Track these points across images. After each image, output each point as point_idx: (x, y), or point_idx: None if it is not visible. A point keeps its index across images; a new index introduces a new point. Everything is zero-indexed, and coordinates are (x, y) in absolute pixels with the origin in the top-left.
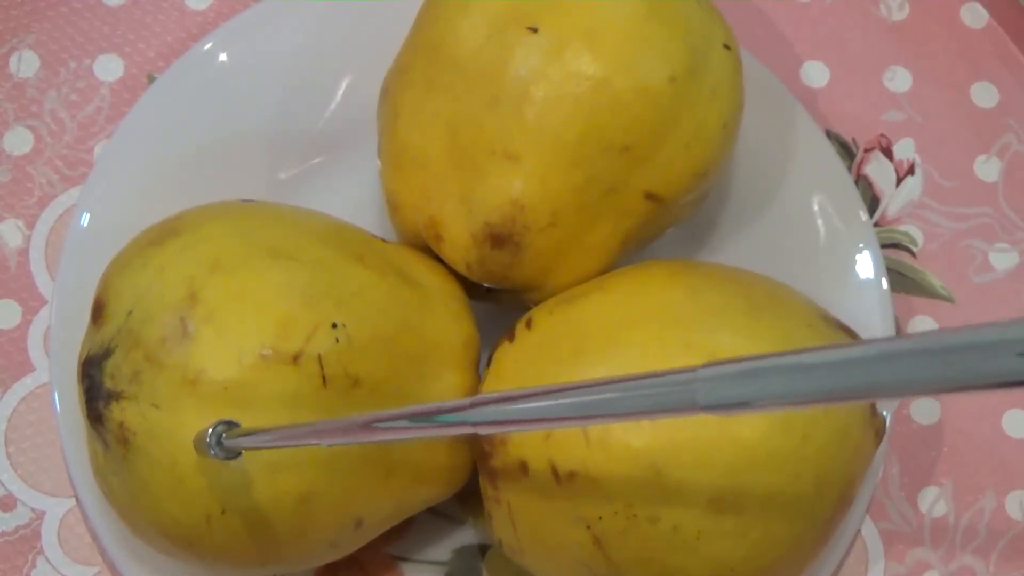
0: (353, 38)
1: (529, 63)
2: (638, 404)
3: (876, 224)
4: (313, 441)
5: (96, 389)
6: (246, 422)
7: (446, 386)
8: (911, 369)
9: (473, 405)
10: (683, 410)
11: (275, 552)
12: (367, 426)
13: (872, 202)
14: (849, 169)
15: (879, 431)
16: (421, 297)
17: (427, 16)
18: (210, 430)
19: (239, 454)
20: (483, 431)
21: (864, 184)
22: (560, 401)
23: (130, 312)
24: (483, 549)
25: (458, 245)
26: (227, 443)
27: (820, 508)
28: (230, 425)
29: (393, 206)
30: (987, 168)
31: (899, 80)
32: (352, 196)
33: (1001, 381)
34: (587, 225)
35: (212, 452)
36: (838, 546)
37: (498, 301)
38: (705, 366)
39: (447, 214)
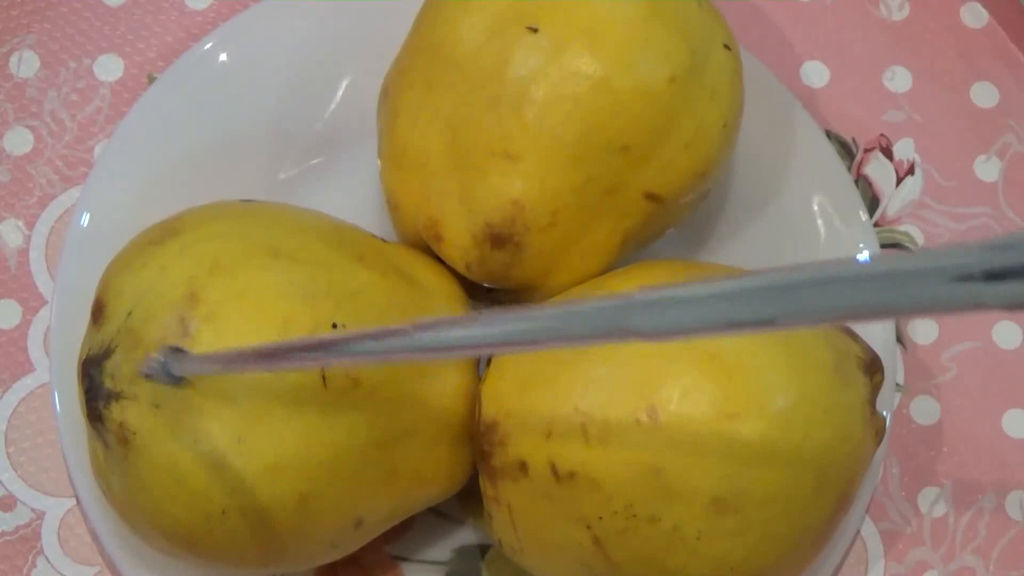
0: (353, 38)
1: (529, 63)
2: (576, 329)
3: (876, 224)
4: (258, 366)
5: (96, 389)
6: (246, 422)
7: (446, 386)
8: (850, 294)
9: (416, 329)
10: (619, 335)
11: (275, 552)
12: (314, 348)
13: (872, 202)
14: (849, 169)
15: (879, 431)
16: (421, 297)
17: (427, 16)
18: (157, 355)
19: (183, 379)
20: (422, 358)
21: (864, 184)
22: (500, 328)
23: (130, 312)
24: (483, 549)
25: (458, 245)
26: (174, 370)
27: (820, 508)
28: (177, 351)
29: (393, 206)
30: (987, 168)
31: (899, 80)
32: (352, 196)
33: (934, 307)
34: (587, 225)
35: (159, 378)
36: (838, 546)
37: (498, 301)
38: (641, 291)
39: (447, 214)
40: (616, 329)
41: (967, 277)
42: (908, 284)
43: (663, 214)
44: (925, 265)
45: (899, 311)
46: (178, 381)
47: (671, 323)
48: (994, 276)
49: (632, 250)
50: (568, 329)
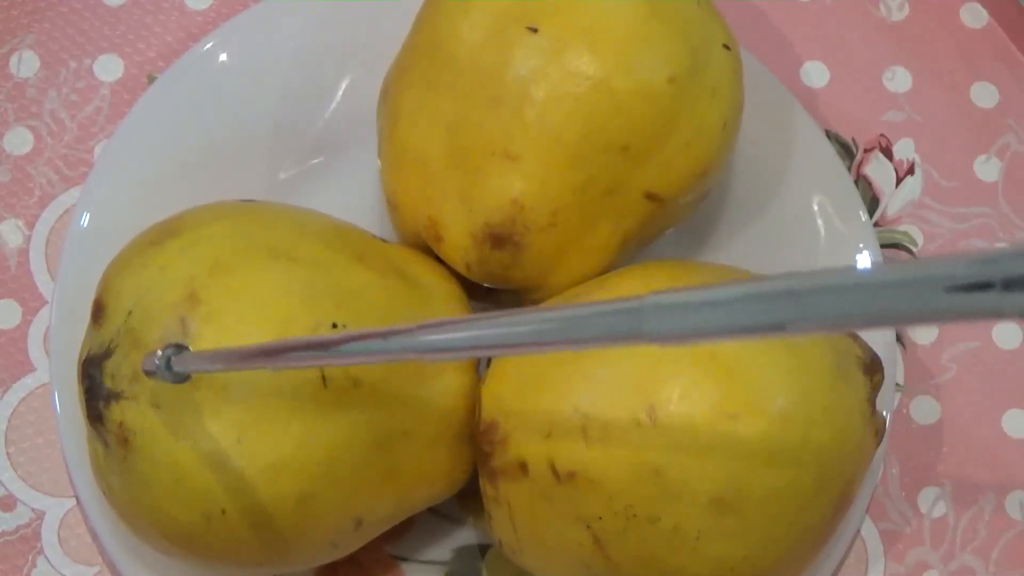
0: (353, 38)
1: (529, 63)
2: (586, 332)
3: (876, 224)
4: (260, 364)
5: (96, 389)
6: (246, 422)
7: (446, 386)
8: (865, 301)
9: (420, 328)
10: (630, 339)
11: (275, 552)
12: (316, 347)
13: (872, 202)
14: (849, 169)
15: (879, 431)
16: (421, 297)
17: (427, 16)
18: (159, 352)
19: (189, 377)
20: (427, 358)
21: (864, 184)
22: (509, 329)
23: (130, 312)
24: (483, 549)
25: (458, 245)
26: (176, 366)
27: (820, 508)
28: (180, 348)
29: (393, 206)
30: (987, 168)
31: (899, 80)
32: (352, 196)
33: (950, 315)
34: (587, 225)
35: (161, 375)
36: (838, 546)
37: (498, 301)
38: (652, 294)
39: (447, 214)
40: (627, 333)
41: (985, 286)
42: (924, 292)
43: (663, 214)
44: (941, 272)
45: (915, 319)
46: (180, 378)
47: (682, 327)
48: (1012, 285)
49: (632, 250)
50: (578, 331)
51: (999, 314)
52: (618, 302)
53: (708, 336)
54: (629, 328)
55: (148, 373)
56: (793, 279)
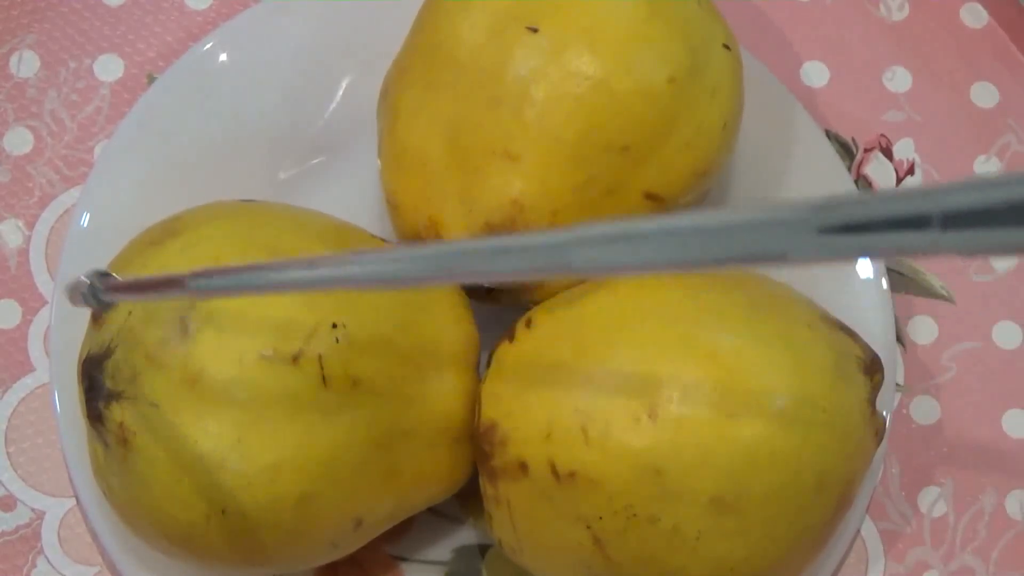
0: (353, 38)
1: (529, 63)
2: (514, 263)
3: None
4: (177, 293)
5: (96, 389)
6: (246, 422)
7: (446, 386)
8: (784, 239)
9: (353, 255)
10: (558, 270)
11: (275, 552)
12: (176, 282)
13: None
14: (849, 169)
15: (879, 431)
16: (421, 297)
17: (427, 16)
18: (83, 278)
19: (113, 304)
20: (354, 286)
21: (864, 184)
22: (436, 262)
23: (130, 312)
24: (483, 549)
25: None
26: (103, 295)
27: (820, 508)
28: (104, 275)
29: (393, 206)
30: (987, 168)
31: (899, 80)
32: (352, 196)
33: (864, 253)
34: None
35: (87, 301)
36: (838, 546)
37: (498, 301)
38: (581, 226)
39: (447, 214)
40: (557, 264)
41: (924, 224)
42: (863, 230)
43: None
44: (883, 210)
45: (852, 255)
46: (105, 306)
47: (608, 260)
48: (950, 222)
49: None
50: (508, 263)
51: (938, 250)
52: (547, 234)
53: (633, 270)
54: (559, 260)
55: (72, 300)
56: (727, 215)
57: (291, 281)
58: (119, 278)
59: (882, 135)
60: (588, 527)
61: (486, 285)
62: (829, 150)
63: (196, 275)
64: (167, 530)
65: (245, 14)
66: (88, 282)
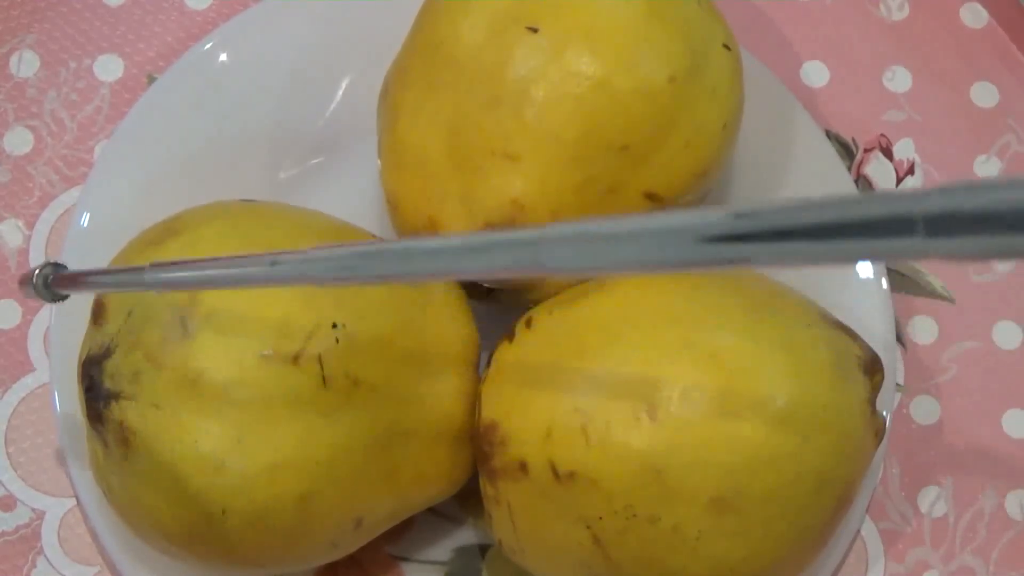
0: (353, 38)
1: (529, 63)
2: (486, 261)
3: None
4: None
5: (96, 389)
6: (246, 422)
7: (446, 386)
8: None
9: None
10: (530, 269)
11: (275, 552)
12: (134, 271)
13: None
14: (849, 169)
15: (879, 431)
16: (421, 297)
17: (427, 16)
18: (36, 271)
19: (66, 297)
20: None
21: (864, 184)
22: (412, 260)
23: (130, 312)
24: (483, 549)
25: None
26: (55, 287)
27: (820, 508)
28: (57, 267)
29: (393, 206)
30: (987, 168)
31: (899, 80)
32: (352, 196)
33: (884, 255)
34: None
35: (39, 294)
36: (838, 546)
37: (498, 301)
38: (551, 226)
39: (447, 214)
40: (528, 263)
41: (910, 230)
42: (873, 232)
43: None
44: (867, 213)
45: (843, 260)
46: (59, 298)
47: (578, 261)
48: (933, 226)
49: None
50: (479, 261)
51: (924, 255)
52: (518, 232)
53: (603, 270)
54: (530, 259)
55: (25, 292)
56: (690, 215)
57: (250, 277)
58: (70, 269)
59: (882, 135)
60: (588, 527)
61: (486, 284)
62: (829, 150)
63: (156, 267)
64: (167, 530)
65: (245, 14)
66: (39, 273)
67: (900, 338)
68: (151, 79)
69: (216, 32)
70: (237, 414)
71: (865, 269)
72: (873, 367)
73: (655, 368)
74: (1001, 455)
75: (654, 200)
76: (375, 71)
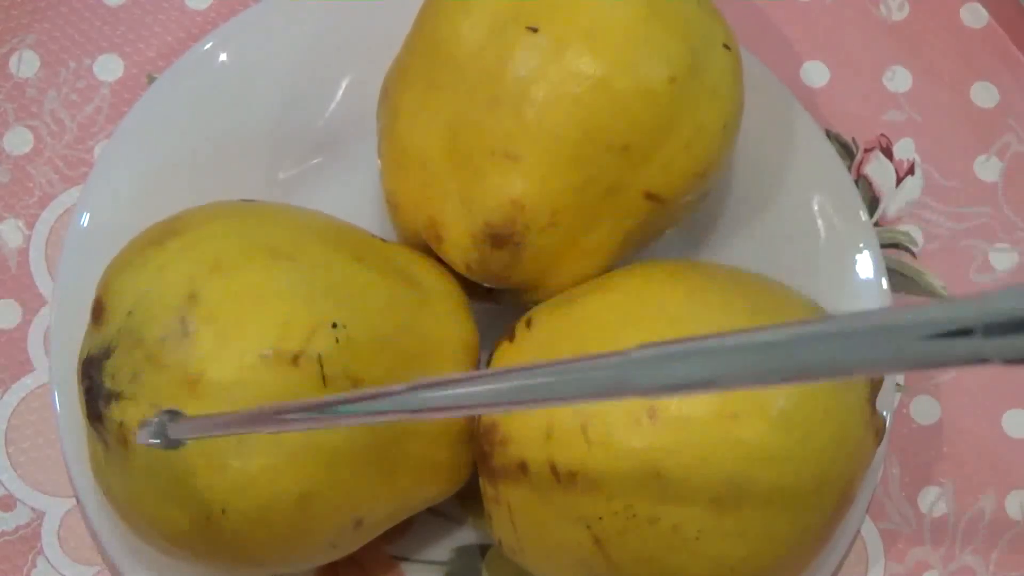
0: (353, 38)
1: (529, 63)
2: (575, 388)
3: (876, 224)
4: (260, 428)
5: (96, 389)
6: None
7: None
8: (848, 349)
9: (410, 389)
10: (619, 393)
11: (275, 552)
12: (310, 409)
13: (872, 202)
14: (849, 169)
15: (879, 431)
16: (421, 297)
17: (427, 16)
18: (155, 419)
19: (183, 443)
20: (421, 417)
21: (864, 184)
22: (497, 386)
23: (130, 312)
24: (483, 549)
25: (458, 245)
26: (171, 433)
27: (820, 508)
28: (174, 415)
29: (393, 206)
30: (987, 168)
31: (899, 80)
32: (352, 196)
33: (935, 362)
34: (587, 225)
35: (156, 442)
36: (838, 546)
37: (498, 301)
38: (639, 348)
39: (447, 214)
40: (615, 387)
41: (966, 332)
42: (908, 339)
43: (663, 214)
44: (924, 319)
45: (897, 368)
46: (176, 445)
47: (666, 380)
48: (992, 330)
49: (632, 250)
50: (566, 388)
51: (981, 359)
52: (604, 356)
53: (693, 389)
54: (616, 382)
55: (143, 442)
56: (777, 331)
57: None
58: (188, 416)
59: (882, 135)
60: (588, 527)
61: (485, 285)
62: (829, 150)
63: (281, 409)
64: (167, 530)
65: (245, 14)
66: (157, 420)
67: None
68: (151, 79)
69: (216, 32)
70: None
71: (865, 269)
72: None
73: None
74: (1001, 455)
75: (654, 200)
76: (375, 71)
